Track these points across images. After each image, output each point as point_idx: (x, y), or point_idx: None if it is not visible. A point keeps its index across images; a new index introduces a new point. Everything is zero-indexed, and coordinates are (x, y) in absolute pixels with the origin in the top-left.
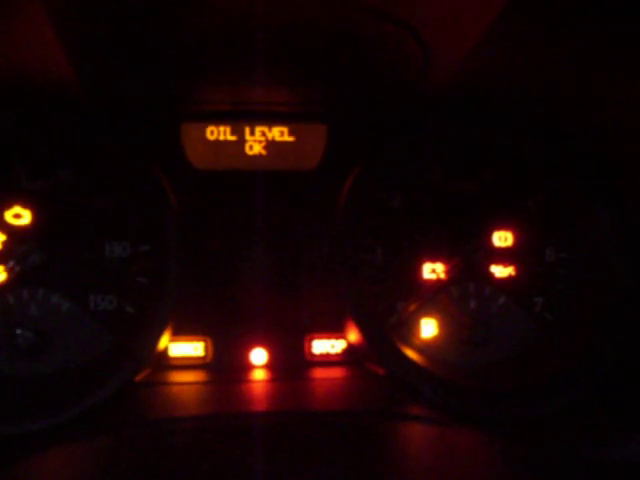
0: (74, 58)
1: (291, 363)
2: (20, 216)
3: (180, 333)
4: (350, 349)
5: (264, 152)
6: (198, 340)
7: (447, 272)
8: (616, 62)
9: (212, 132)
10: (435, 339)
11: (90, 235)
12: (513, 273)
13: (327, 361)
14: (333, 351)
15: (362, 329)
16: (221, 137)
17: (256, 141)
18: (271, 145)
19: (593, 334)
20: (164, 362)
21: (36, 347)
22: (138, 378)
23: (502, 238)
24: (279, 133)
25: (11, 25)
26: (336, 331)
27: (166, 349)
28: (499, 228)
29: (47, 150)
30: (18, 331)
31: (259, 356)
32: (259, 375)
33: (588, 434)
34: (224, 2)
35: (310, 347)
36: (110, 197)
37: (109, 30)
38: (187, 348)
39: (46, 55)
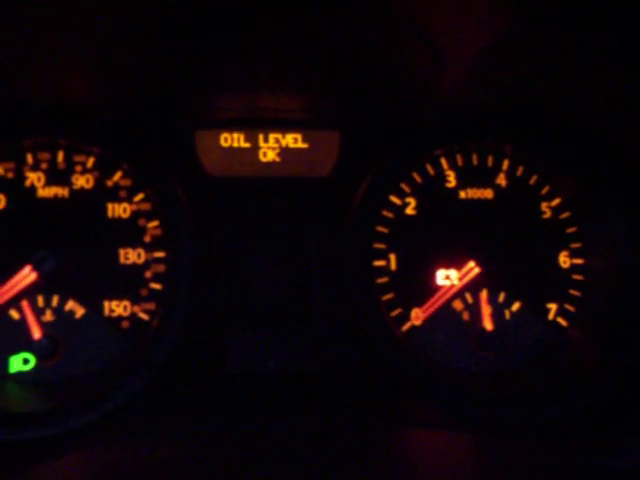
0: (90, 70)
1: (304, 368)
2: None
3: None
4: (363, 355)
5: (278, 159)
6: None
7: (461, 278)
8: (628, 66)
9: (226, 139)
10: (449, 345)
11: (104, 242)
12: (527, 279)
13: (340, 367)
14: (346, 357)
15: (375, 336)
16: (235, 144)
17: (270, 148)
18: (285, 152)
19: (607, 340)
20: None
21: (51, 353)
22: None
23: (516, 244)
24: (293, 140)
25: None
26: (349, 337)
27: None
28: (513, 234)
29: (62, 157)
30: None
31: (272, 361)
32: (272, 380)
33: (601, 440)
34: (237, 13)
35: (323, 352)
36: (124, 204)
37: (125, 42)
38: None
39: (63, 68)
